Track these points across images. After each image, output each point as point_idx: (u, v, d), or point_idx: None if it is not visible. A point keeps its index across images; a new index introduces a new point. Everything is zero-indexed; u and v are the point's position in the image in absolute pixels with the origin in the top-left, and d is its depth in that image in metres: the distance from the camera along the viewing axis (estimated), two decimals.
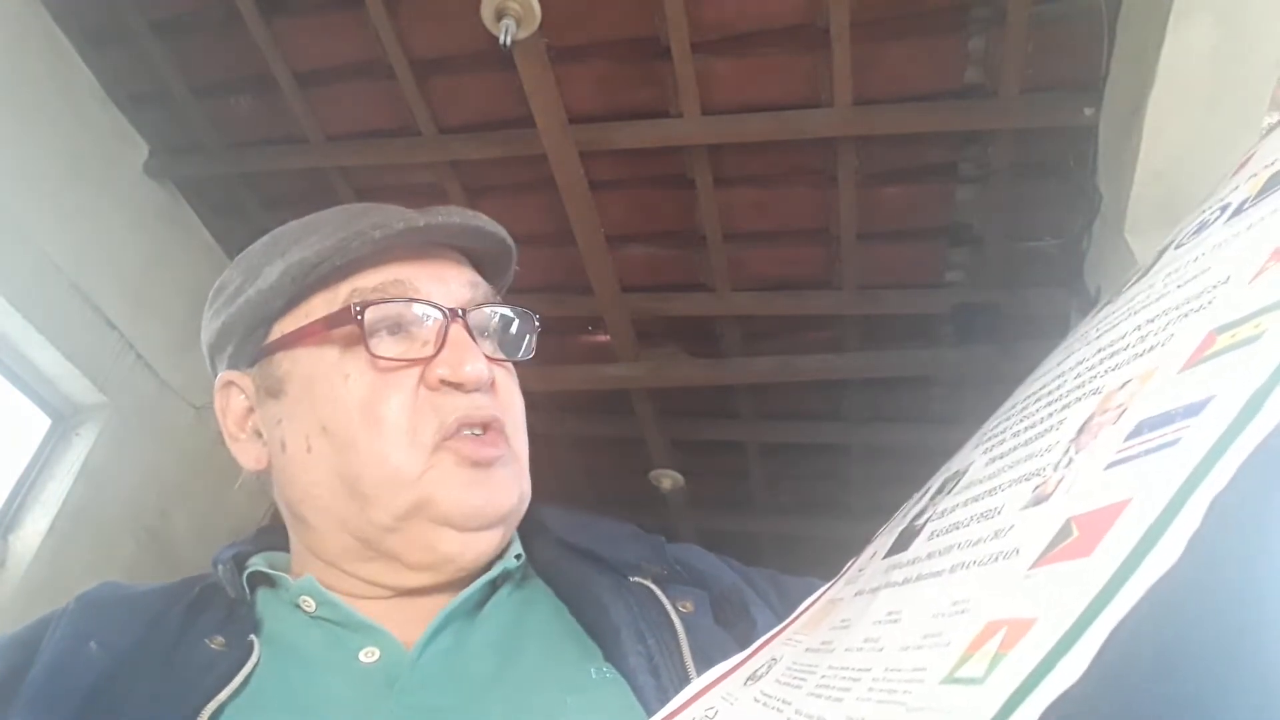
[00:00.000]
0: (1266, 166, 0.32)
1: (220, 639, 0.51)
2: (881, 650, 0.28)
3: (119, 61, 1.71)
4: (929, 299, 1.80)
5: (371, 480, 0.54)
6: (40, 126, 1.60)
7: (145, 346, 1.80)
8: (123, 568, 1.72)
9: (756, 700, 0.35)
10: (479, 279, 0.62)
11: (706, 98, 1.52)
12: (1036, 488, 0.27)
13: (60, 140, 1.63)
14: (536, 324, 0.63)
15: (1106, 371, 0.29)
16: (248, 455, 0.61)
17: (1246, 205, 0.31)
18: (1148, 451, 0.22)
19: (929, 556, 0.32)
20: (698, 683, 0.41)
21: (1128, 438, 0.24)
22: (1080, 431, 0.27)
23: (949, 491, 0.36)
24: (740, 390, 2.13)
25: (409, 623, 0.54)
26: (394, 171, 1.78)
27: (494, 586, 0.57)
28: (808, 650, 0.36)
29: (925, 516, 0.36)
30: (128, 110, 1.77)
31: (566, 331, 2.04)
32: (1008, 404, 0.40)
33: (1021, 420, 0.35)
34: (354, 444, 0.55)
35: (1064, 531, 0.23)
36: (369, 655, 0.51)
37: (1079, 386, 0.31)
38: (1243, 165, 0.36)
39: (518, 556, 0.59)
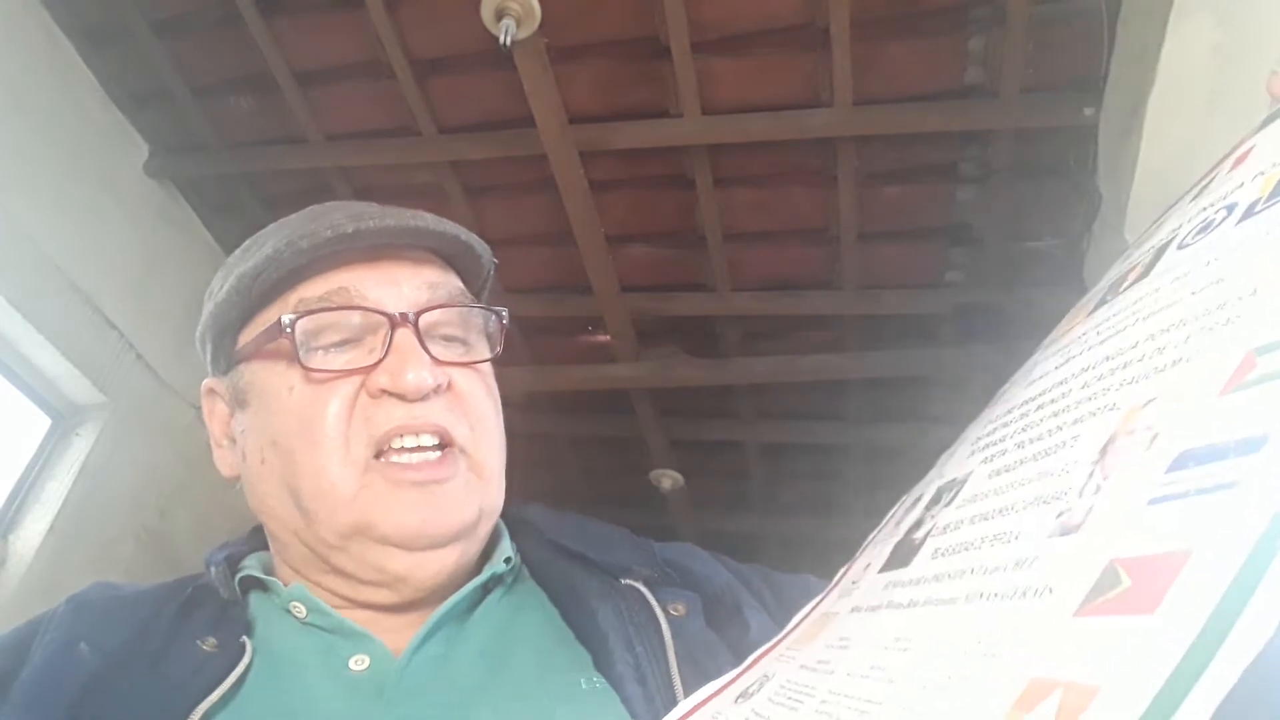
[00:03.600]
0: (1276, 165, 0.31)
1: (212, 640, 0.50)
2: (893, 683, 0.27)
3: (119, 61, 1.71)
4: (929, 299, 1.80)
5: (310, 495, 0.53)
6: (40, 126, 1.60)
7: (145, 346, 1.80)
8: (123, 568, 1.72)
9: None
10: (444, 278, 0.59)
11: (706, 98, 1.52)
12: (1061, 514, 0.25)
13: (60, 140, 1.63)
14: (504, 320, 0.60)
15: (1121, 385, 0.28)
16: (224, 462, 0.61)
17: (1259, 208, 0.29)
18: (1200, 491, 0.20)
19: (936, 579, 0.30)
20: (689, 701, 0.39)
21: (1170, 469, 0.22)
22: (1104, 453, 0.26)
23: (948, 503, 0.35)
24: (740, 390, 2.13)
25: (400, 629, 0.53)
26: (394, 171, 1.78)
27: (485, 590, 0.57)
28: (803, 668, 0.34)
29: (925, 530, 0.35)
30: (128, 110, 1.77)
31: (566, 331, 2.04)
32: (1001, 407, 0.39)
33: (1024, 430, 0.33)
34: (295, 457, 0.54)
35: (1110, 577, 0.21)
36: (359, 663, 0.51)
37: (1090, 399, 0.29)
38: (1241, 160, 0.35)
39: (507, 560, 0.58)
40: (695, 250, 1.82)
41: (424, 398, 0.53)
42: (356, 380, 0.54)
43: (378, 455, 0.53)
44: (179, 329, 1.86)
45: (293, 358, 0.55)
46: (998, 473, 0.32)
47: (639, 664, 0.50)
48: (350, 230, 0.55)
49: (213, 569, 0.57)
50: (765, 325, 1.97)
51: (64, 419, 1.72)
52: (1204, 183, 0.38)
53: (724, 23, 1.43)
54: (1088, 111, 1.41)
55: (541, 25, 1.35)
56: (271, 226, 0.62)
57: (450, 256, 0.62)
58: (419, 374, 0.53)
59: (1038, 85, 1.42)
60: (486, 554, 0.61)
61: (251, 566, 0.58)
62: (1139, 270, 0.35)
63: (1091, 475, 0.25)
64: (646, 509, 2.45)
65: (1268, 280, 0.25)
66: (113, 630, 0.51)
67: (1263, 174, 0.31)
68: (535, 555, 0.61)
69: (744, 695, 0.36)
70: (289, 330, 0.54)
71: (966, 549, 0.29)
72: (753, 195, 1.71)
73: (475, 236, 0.62)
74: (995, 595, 0.25)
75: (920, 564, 0.33)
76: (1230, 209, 0.31)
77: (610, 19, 1.46)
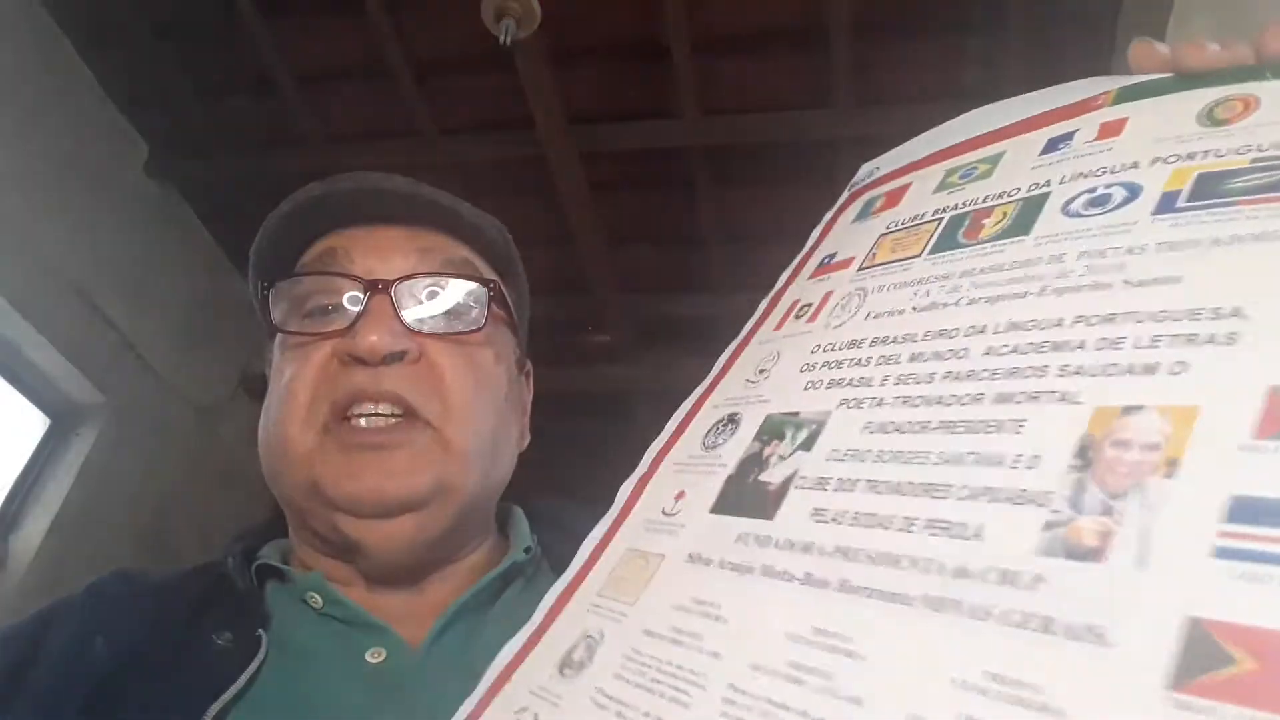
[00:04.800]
0: (1184, 158, 0.30)
1: (228, 634, 0.49)
2: (856, 702, 0.23)
3: (119, 61, 1.71)
4: None
5: (278, 455, 0.53)
6: (40, 126, 1.60)
7: (145, 346, 1.80)
8: None
9: (599, 705, 0.28)
10: (440, 246, 0.57)
11: (707, 98, 1.52)
12: (1051, 526, 0.23)
13: (60, 140, 1.63)
14: (489, 292, 0.57)
15: (1066, 372, 0.26)
16: None
17: (1181, 204, 0.28)
18: None
19: (842, 554, 0.26)
20: (491, 672, 0.33)
21: (1233, 519, 0.20)
22: (1087, 459, 0.23)
23: (806, 447, 0.31)
24: None
25: (418, 620, 0.53)
26: (394, 172, 1.78)
27: (506, 582, 0.57)
28: (651, 636, 0.29)
29: (778, 474, 0.31)
30: (128, 110, 1.77)
31: (566, 332, 2.04)
32: (833, 334, 0.35)
33: (903, 382, 0.30)
34: (273, 420, 0.54)
35: (1206, 645, 0.19)
36: (375, 655, 0.51)
37: (1014, 375, 0.27)
38: (1113, 130, 0.33)
39: (527, 550, 0.58)
40: (695, 251, 1.82)
41: (386, 363, 0.52)
42: (329, 345, 0.53)
43: (341, 421, 0.52)
44: (179, 329, 1.86)
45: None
46: (883, 430, 0.29)
47: None
48: (318, 193, 0.55)
49: (230, 560, 0.57)
50: None
51: (64, 419, 1.72)
52: (1047, 132, 0.37)
53: (724, 24, 1.43)
54: None
55: (541, 25, 1.35)
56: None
57: (454, 230, 0.60)
58: (376, 338, 0.51)
59: (1037, 85, 1.42)
60: (506, 544, 0.61)
61: (268, 555, 0.57)
62: (1005, 222, 0.33)
63: (1083, 487, 0.23)
64: None
65: (1255, 304, 0.24)
66: (130, 624, 0.50)
67: (1164, 161, 0.31)
68: (556, 547, 0.61)
69: (570, 665, 0.30)
70: (265, 295, 0.55)
71: (882, 525, 0.26)
72: (753, 196, 1.71)
73: (467, 205, 0.60)
74: (985, 613, 0.22)
75: (796, 523, 0.29)
76: (1131, 190, 0.30)
77: (610, 19, 1.46)
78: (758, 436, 0.33)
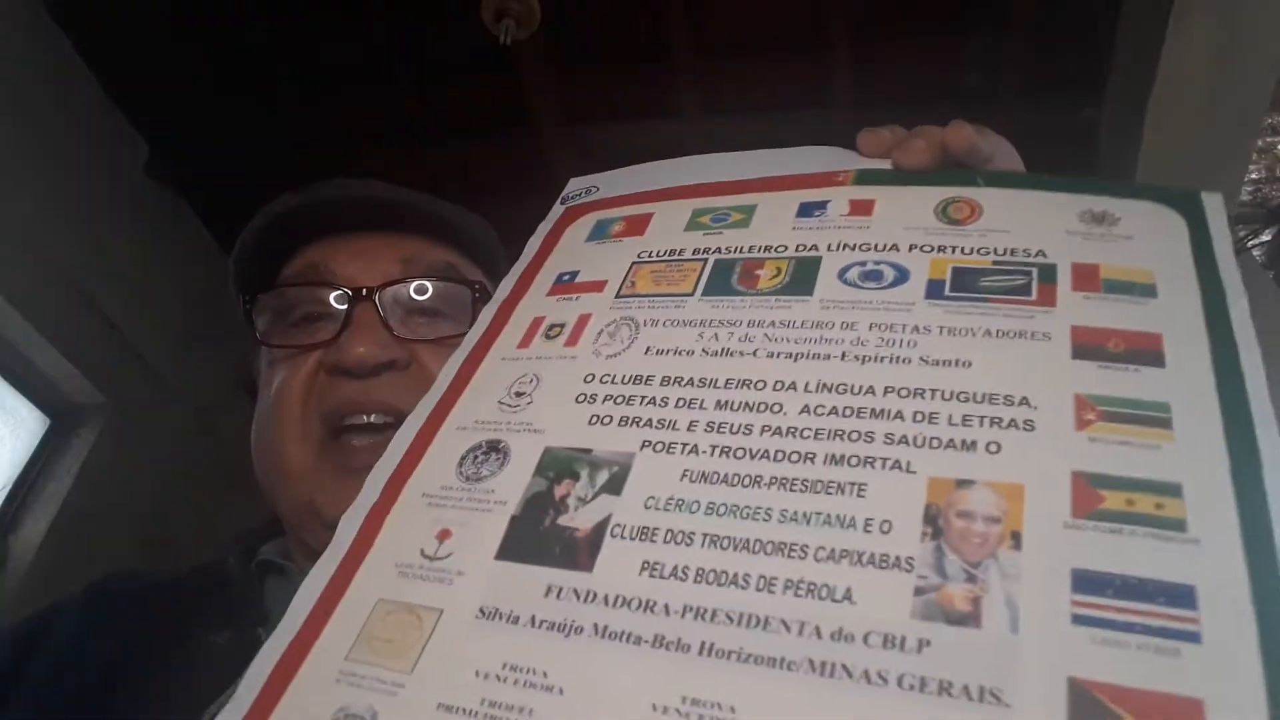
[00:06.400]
0: (937, 250, 0.33)
1: (228, 633, 0.49)
2: None
3: (119, 61, 1.70)
4: None
5: (275, 470, 0.53)
6: (40, 127, 1.60)
7: (145, 346, 1.80)
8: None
9: None
10: (424, 253, 0.57)
11: (707, 98, 1.52)
12: (922, 592, 0.23)
13: (60, 140, 1.63)
14: (474, 294, 0.57)
15: (894, 441, 0.27)
16: None
17: (949, 292, 0.31)
18: (1164, 634, 0.21)
19: (695, 614, 0.25)
20: None
21: (1079, 590, 0.22)
22: (936, 527, 0.24)
23: (612, 490, 0.29)
24: None
25: None
26: (394, 172, 1.77)
27: None
28: (450, 711, 0.25)
29: (591, 522, 0.28)
30: (128, 110, 1.77)
31: None
32: (610, 363, 0.34)
33: (715, 430, 0.29)
34: (266, 430, 0.54)
35: (1088, 701, 0.20)
36: None
37: (838, 437, 0.28)
38: (862, 208, 0.36)
39: None
40: None
41: (376, 374, 0.51)
42: (315, 356, 0.53)
43: (335, 434, 0.52)
44: (179, 329, 1.86)
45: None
46: (706, 480, 0.28)
47: None
48: (295, 204, 0.56)
49: (230, 559, 0.56)
50: None
51: (64, 419, 1.72)
52: (798, 196, 0.38)
53: (724, 23, 1.43)
54: (1088, 111, 1.41)
55: (541, 25, 1.35)
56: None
57: (435, 233, 0.59)
58: (362, 349, 0.51)
59: (1038, 85, 1.42)
60: None
61: (268, 552, 0.57)
62: (782, 278, 0.34)
63: (943, 554, 0.24)
64: None
65: (1039, 394, 0.27)
66: (129, 624, 0.50)
67: (921, 250, 0.33)
68: None
69: None
70: (247, 307, 0.55)
71: (736, 585, 0.25)
72: None
73: (448, 205, 0.59)
74: (881, 678, 0.22)
75: (624, 578, 0.26)
76: (900, 272, 0.32)
77: (610, 19, 1.46)
78: (540, 472, 0.30)
